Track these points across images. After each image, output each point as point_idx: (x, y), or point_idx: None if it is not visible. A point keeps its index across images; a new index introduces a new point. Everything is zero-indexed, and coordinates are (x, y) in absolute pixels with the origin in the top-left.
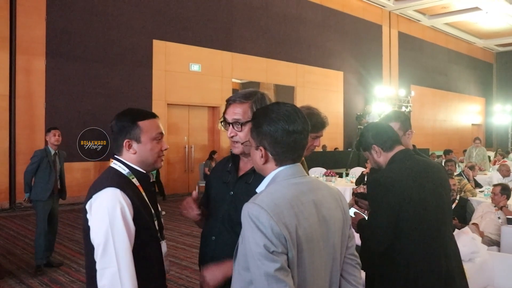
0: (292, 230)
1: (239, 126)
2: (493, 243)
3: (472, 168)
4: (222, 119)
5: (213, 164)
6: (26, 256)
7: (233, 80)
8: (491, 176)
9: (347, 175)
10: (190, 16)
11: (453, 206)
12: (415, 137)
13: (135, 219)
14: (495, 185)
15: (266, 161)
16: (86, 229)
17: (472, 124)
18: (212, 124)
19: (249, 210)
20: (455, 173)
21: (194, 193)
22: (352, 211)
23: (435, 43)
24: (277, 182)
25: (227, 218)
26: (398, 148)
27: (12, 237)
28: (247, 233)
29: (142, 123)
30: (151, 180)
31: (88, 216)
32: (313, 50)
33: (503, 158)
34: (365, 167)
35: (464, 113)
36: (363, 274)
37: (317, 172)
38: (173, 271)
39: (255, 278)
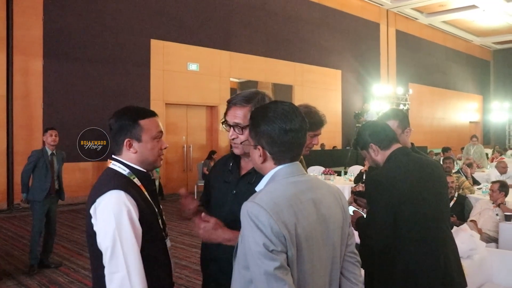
0: (291, 229)
1: (240, 129)
2: (491, 240)
3: (470, 165)
4: (223, 120)
5: (212, 164)
6: (24, 257)
7: (231, 79)
8: (489, 173)
9: (345, 173)
10: (188, 15)
11: (452, 203)
12: (413, 135)
13: (140, 220)
14: (493, 182)
15: (264, 160)
16: (92, 234)
17: (470, 122)
18: (210, 123)
19: (248, 209)
20: (453, 171)
21: (183, 190)
22: (350, 210)
23: (433, 41)
24: (276, 180)
25: (230, 216)
26: (395, 146)
27: (10, 238)
28: (246, 232)
29: (143, 122)
30: (155, 178)
31: (93, 221)
32: (311, 49)
33: (500, 155)
34: (364, 165)
35: (462, 110)
36: (362, 272)
37: (315, 171)
38: None
39: (255, 277)
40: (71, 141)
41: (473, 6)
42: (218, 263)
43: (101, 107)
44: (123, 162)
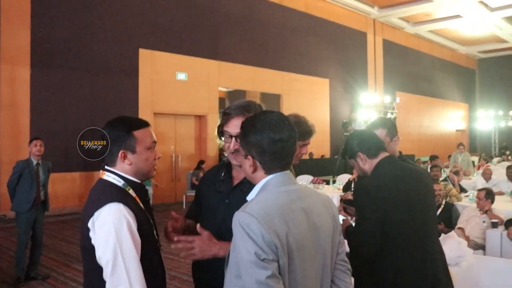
0: (282, 238)
1: None
2: (479, 247)
3: (457, 173)
4: (219, 131)
5: (201, 174)
6: (11, 269)
7: (220, 88)
8: (475, 181)
9: (334, 182)
10: (177, 25)
11: (439, 211)
12: (400, 143)
13: (138, 231)
14: (479, 190)
15: (255, 170)
16: (89, 248)
17: (457, 130)
18: (199, 133)
19: (239, 218)
20: (441, 179)
21: (174, 213)
22: (340, 218)
23: (419, 50)
24: (267, 190)
25: (223, 226)
26: (383, 154)
27: None
28: (238, 241)
29: (137, 133)
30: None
31: (91, 234)
32: (299, 58)
33: (486, 162)
34: (352, 174)
35: (448, 119)
36: (352, 279)
37: (304, 180)
38: None
39: (247, 286)
40: (59, 151)
41: (458, 16)
42: (210, 272)
43: (89, 116)
44: (117, 173)
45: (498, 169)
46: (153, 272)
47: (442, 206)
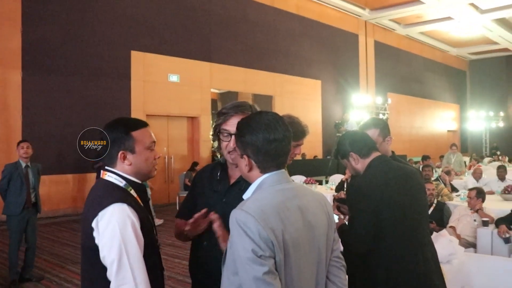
0: (278, 235)
1: None
2: (470, 245)
3: (448, 173)
4: (215, 131)
5: None
6: (4, 271)
7: (212, 90)
8: (466, 180)
9: (326, 182)
10: (168, 27)
11: (431, 210)
12: (392, 144)
13: (141, 231)
14: (470, 189)
15: (250, 169)
16: (92, 248)
17: (448, 131)
18: (191, 134)
19: (236, 217)
20: (432, 178)
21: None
22: (335, 218)
23: (411, 52)
24: (263, 188)
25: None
26: (375, 154)
27: None
28: (235, 238)
29: (135, 133)
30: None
31: (95, 234)
32: (291, 59)
33: (478, 162)
34: (344, 174)
35: (439, 119)
36: (346, 276)
37: (297, 180)
38: None
39: (244, 282)
40: (52, 153)
41: (449, 18)
42: (207, 268)
43: (81, 119)
44: (118, 173)
45: (489, 169)
46: (153, 271)
47: (434, 205)
